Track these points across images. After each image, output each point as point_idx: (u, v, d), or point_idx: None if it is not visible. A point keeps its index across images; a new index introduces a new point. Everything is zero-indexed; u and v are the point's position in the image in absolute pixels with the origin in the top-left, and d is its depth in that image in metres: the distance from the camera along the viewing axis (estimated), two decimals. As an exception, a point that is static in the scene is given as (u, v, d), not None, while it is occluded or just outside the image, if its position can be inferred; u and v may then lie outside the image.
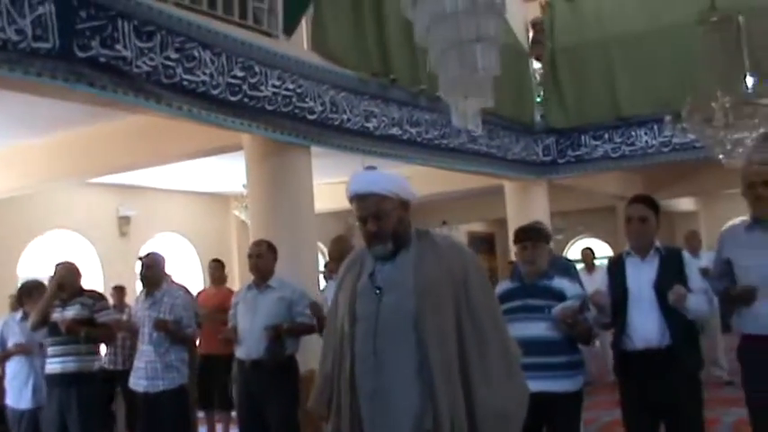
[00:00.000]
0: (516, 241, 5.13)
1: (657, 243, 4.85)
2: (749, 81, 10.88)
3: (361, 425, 3.19)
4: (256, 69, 7.20)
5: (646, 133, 11.75)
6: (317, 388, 3.45)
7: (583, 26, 12.24)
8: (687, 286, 4.65)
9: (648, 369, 4.68)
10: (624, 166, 12.45)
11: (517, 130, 11.76)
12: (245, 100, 7.06)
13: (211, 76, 6.75)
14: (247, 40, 7.20)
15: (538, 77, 12.52)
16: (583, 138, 12.15)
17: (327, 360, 3.36)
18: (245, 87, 7.05)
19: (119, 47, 5.99)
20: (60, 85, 5.68)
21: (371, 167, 3.42)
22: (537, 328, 4.73)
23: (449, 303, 3.15)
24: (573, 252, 20.53)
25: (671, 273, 4.70)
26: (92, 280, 12.44)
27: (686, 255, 4.91)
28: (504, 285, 5.13)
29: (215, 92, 6.78)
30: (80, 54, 5.72)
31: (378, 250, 3.27)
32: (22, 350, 7.22)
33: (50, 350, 6.82)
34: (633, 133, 11.87)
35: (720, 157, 8.82)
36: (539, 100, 12.47)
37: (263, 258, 6.36)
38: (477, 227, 20.16)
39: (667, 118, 8.50)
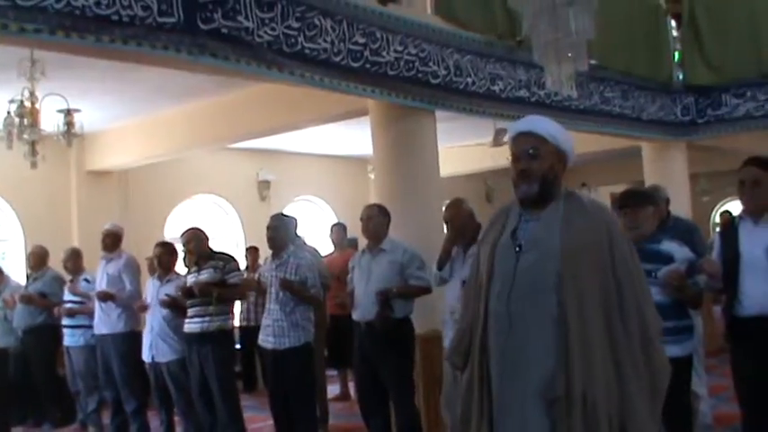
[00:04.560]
0: (618, 207, 5.09)
1: (773, 205, 4.74)
2: None
3: (489, 382, 3.19)
4: (378, 35, 7.28)
5: (792, 91, 11.27)
6: (453, 340, 3.51)
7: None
8: (804, 250, 4.54)
9: (761, 335, 4.60)
10: (768, 125, 11.99)
11: (654, 90, 11.44)
12: (367, 66, 7.16)
13: (332, 43, 6.87)
14: (369, 7, 7.27)
15: (676, 34, 12.12)
16: (723, 96, 11.70)
17: (466, 313, 3.38)
18: (366, 53, 7.15)
19: (240, 18, 6.16)
20: (185, 58, 5.92)
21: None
22: (643, 292, 4.69)
23: (593, 270, 3.08)
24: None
25: (786, 237, 4.60)
26: (235, 243, 12.93)
27: (805, 218, 4.74)
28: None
29: (336, 59, 6.90)
30: (203, 26, 5.93)
31: (523, 190, 3.23)
32: (140, 308, 7.97)
33: (189, 311, 7.22)
34: (778, 91, 11.40)
35: None
36: (677, 58, 12.09)
37: (372, 221, 6.47)
38: (618, 189, 19.71)
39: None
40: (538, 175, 3.19)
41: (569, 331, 3.01)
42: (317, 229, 14.28)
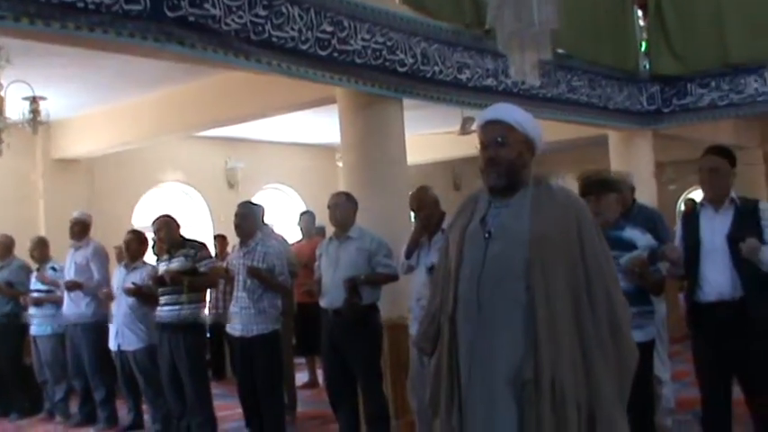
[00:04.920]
0: (582, 194, 5.14)
1: (733, 194, 4.82)
2: None
3: (458, 368, 3.21)
4: (345, 23, 7.28)
5: (756, 80, 11.37)
6: (421, 325, 3.53)
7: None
8: (762, 239, 4.63)
9: (720, 321, 4.70)
10: (732, 114, 12.08)
11: (620, 79, 11.54)
12: (335, 54, 7.16)
13: (300, 31, 6.86)
14: None
15: (643, 24, 12.22)
16: (689, 86, 11.81)
17: (435, 299, 3.40)
18: (334, 42, 7.15)
19: (207, 5, 6.13)
20: (151, 46, 5.90)
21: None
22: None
23: (562, 256, 3.11)
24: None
25: (745, 224, 4.70)
26: (203, 231, 12.92)
27: (764, 206, 4.81)
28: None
29: (304, 47, 6.90)
30: (170, 14, 5.90)
31: (491, 178, 3.25)
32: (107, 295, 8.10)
33: (161, 300, 7.26)
34: (742, 81, 11.46)
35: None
36: (644, 48, 12.19)
37: (340, 209, 6.51)
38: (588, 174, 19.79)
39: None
40: (506, 163, 3.22)
41: (537, 317, 3.04)
42: (285, 217, 14.30)
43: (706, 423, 4.99)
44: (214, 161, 13.91)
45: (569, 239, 3.13)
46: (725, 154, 4.85)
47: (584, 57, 10.67)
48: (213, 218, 13.75)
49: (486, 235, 3.21)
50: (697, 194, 19.65)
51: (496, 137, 3.24)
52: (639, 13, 12.16)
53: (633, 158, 12.03)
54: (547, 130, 11.05)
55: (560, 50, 10.21)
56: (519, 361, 3.05)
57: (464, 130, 11.34)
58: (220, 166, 14.06)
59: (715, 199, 4.82)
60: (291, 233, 10.68)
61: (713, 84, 11.68)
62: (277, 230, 9.48)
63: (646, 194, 10.76)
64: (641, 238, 4.96)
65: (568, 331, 3.06)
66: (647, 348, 4.92)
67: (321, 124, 12.42)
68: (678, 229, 5.09)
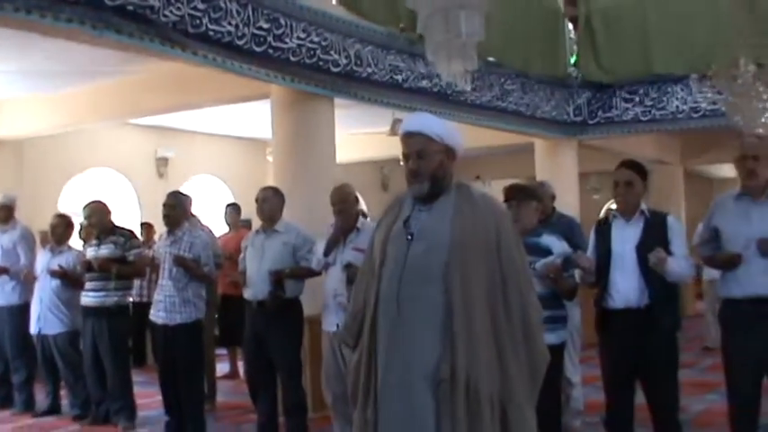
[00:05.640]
0: (504, 200, 5.34)
1: (644, 207, 5.04)
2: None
3: (376, 364, 3.33)
4: (282, 21, 7.41)
5: (677, 98, 11.76)
6: (346, 320, 3.67)
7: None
8: (669, 250, 4.86)
9: (627, 327, 4.91)
10: (653, 129, 12.53)
11: (551, 87, 11.84)
12: (270, 51, 7.28)
13: (237, 26, 6.97)
14: None
15: (573, 36, 12.52)
16: (615, 99, 12.18)
17: (359, 295, 3.51)
18: (269, 39, 7.26)
19: (147, -4, 6.24)
20: (89, 32, 5.96)
21: (399, 120, 3.57)
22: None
23: (480, 259, 3.25)
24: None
25: (654, 236, 4.90)
26: (130, 218, 12.87)
27: (671, 219, 5.06)
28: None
29: (240, 42, 7.01)
30: (109, 2, 5.98)
31: (415, 189, 3.39)
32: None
33: (87, 285, 7.30)
34: (664, 98, 11.86)
35: (740, 124, 8.85)
36: (574, 60, 12.50)
37: (267, 203, 6.59)
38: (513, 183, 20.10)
39: (693, 76, 8.51)
40: (427, 174, 3.36)
41: (454, 318, 3.19)
42: (213, 208, 14.29)
43: (609, 426, 5.18)
44: (145, 149, 13.83)
45: (488, 244, 3.27)
46: (637, 168, 5.08)
47: (514, 66, 10.91)
48: (142, 206, 13.69)
49: (409, 237, 3.35)
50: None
51: (417, 149, 3.38)
52: (570, 26, 12.46)
53: (558, 167, 12.37)
54: (475, 135, 11.27)
55: (491, 59, 10.47)
56: (436, 360, 3.19)
57: (393, 131, 11.50)
58: (151, 154, 13.98)
59: (626, 211, 5.04)
60: (219, 224, 10.72)
61: (637, 99, 12.07)
62: (204, 221, 9.52)
63: (569, 203, 11.07)
64: (557, 245, 5.17)
65: (484, 331, 3.20)
66: (558, 351, 5.13)
67: (253, 118, 12.47)
68: (591, 238, 5.30)
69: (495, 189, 17.67)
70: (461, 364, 3.15)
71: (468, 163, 17.27)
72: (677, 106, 11.76)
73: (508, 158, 16.15)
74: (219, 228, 10.50)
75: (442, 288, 3.23)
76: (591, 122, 12.37)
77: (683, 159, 17.47)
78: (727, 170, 19.87)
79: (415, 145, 3.39)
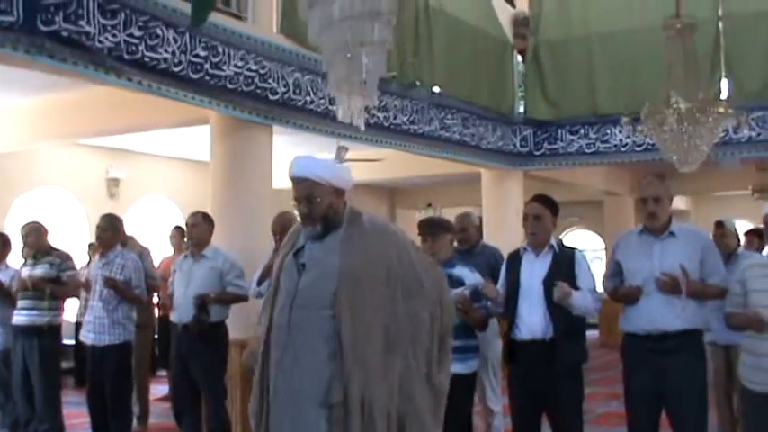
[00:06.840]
0: (419, 234, 5.49)
1: (553, 241, 5.19)
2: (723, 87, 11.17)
3: (268, 387, 3.49)
4: (219, 49, 7.51)
5: (620, 131, 11.92)
6: (252, 345, 3.86)
7: (568, 21, 12.39)
8: (575, 284, 5.00)
9: (533, 359, 5.03)
10: (597, 162, 12.78)
11: (494, 120, 12.02)
12: (207, 78, 7.37)
13: (174, 53, 7.05)
14: (212, 21, 7.33)
15: (522, 69, 12.73)
16: (560, 132, 12.40)
17: (262, 322, 3.66)
18: (206, 66, 7.36)
19: (82, 22, 6.27)
20: (22, 57, 6.02)
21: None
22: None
23: (372, 286, 3.39)
24: (566, 241, 20.70)
25: (561, 270, 5.03)
26: (79, 239, 12.86)
27: (578, 254, 5.20)
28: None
29: (176, 69, 7.08)
30: (43, 28, 6.02)
31: (308, 231, 3.55)
32: None
33: (19, 303, 7.34)
34: (608, 131, 12.09)
35: (674, 160, 9.03)
36: (521, 93, 12.71)
37: (197, 228, 6.73)
38: (461, 210, 20.19)
39: (624, 119, 8.69)
40: (318, 216, 3.52)
41: (343, 343, 3.32)
42: (163, 229, 14.28)
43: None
44: (95, 169, 13.83)
45: (379, 272, 3.41)
46: (548, 203, 5.24)
47: (461, 96, 11.08)
48: (91, 225, 13.64)
49: (300, 267, 3.51)
50: (566, 236, 20.35)
51: (305, 194, 3.52)
52: (519, 59, 12.68)
53: (504, 197, 12.54)
54: (425, 163, 11.34)
55: (436, 89, 10.64)
56: (325, 383, 3.32)
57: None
58: (101, 174, 13.98)
59: (536, 244, 5.18)
60: (167, 246, 10.77)
61: (582, 132, 12.29)
62: (148, 243, 9.58)
63: (513, 233, 11.19)
64: (470, 276, 5.32)
65: (376, 353, 3.34)
66: (468, 380, 5.27)
67: (197, 141, 12.49)
68: (502, 270, 5.44)
69: (447, 215, 17.86)
70: (354, 384, 3.28)
71: (420, 190, 17.50)
72: (620, 140, 11.96)
73: (459, 187, 16.28)
74: (167, 249, 10.54)
75: (330, 314, 3.36)
76: (537, 153, 12.57)
77: (631, 191, 17.68)
78: (678, 201, 20.17)
79: (304, 191, 3.52)
